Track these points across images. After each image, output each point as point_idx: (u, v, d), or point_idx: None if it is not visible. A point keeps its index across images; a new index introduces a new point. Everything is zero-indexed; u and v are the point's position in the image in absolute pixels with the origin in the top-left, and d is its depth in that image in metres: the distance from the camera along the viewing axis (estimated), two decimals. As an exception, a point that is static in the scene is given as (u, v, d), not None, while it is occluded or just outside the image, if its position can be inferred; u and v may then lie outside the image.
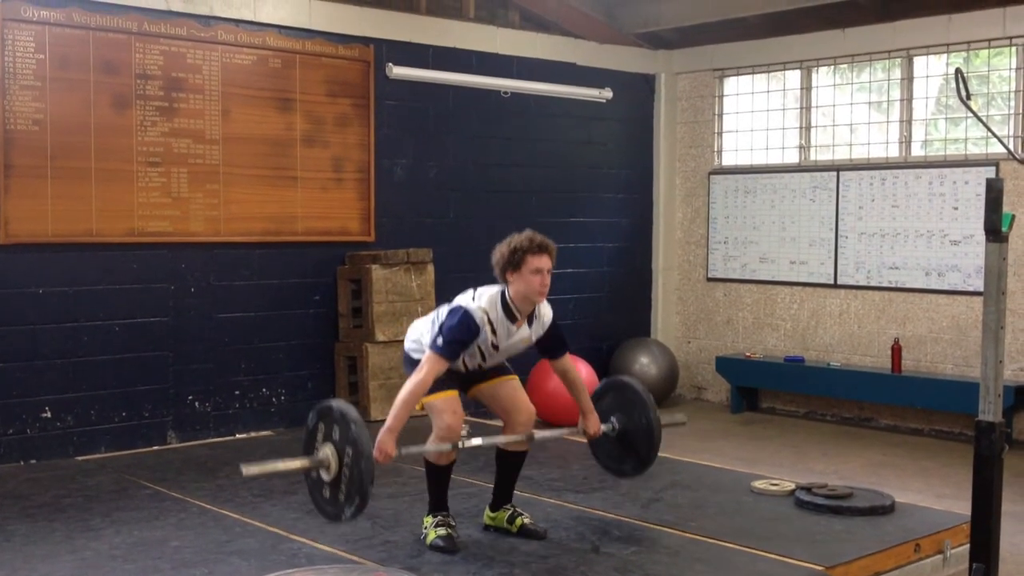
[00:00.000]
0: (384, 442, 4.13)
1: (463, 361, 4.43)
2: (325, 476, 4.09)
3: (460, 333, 4.25)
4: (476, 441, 4.46)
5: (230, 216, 7.09)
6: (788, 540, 4.57)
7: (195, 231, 6.95)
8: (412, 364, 4.42)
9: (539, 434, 4.66)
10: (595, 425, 4.74)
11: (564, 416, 8.09)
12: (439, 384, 4.33)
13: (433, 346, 4.25)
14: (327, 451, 4.06)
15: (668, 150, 9.71)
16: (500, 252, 4.36)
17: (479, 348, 4.38)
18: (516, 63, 8.61)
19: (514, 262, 4.29)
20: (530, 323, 4.45)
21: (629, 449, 4.88)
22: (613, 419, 4.86)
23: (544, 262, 4.31)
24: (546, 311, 4.52)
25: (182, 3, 6.84)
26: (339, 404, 4.11)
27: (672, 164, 9.75)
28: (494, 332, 4.35)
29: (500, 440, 4.60)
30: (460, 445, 4.39)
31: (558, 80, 8.82)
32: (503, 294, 4.37)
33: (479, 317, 4.29)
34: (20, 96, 6.24)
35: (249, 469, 4.04)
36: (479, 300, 4.35)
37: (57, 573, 4.23)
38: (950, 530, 4.74)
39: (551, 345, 4.57)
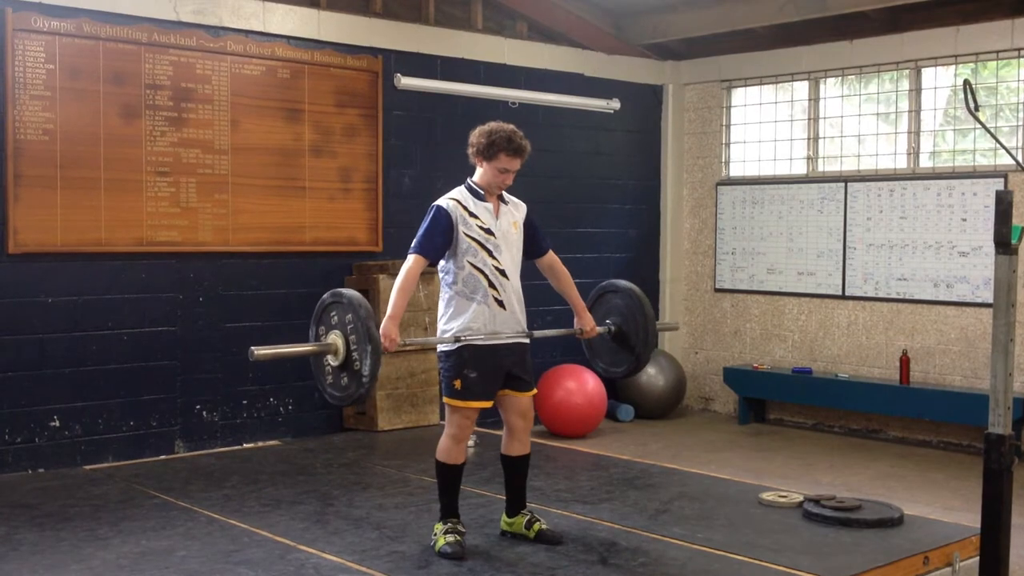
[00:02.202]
0: (389, 329, 4.28)
1: (483, 273, 4.45)
2: (333, 361, 4.27)
3: (431, 224, 4.45)
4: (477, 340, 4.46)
5: (238, 226, 7.11)
6: (796, 552, 4.55)
7: (203, 241, 6.97)
8: (442, 358, 4.53)
9: (538, 332, 4.72)
10: (590, 323, 4.85)
11: (570, 427, 8.12)
12: (475, 391, 4.42)
13: (411, 248, 4.45)
14: (333, 336, 4.26)
15: (676, 161, 9.71)
16: (478, 137, 4.52)
17: (474, 240, 4.45)
18: (524, 74, 8.63)
19: (488, 153, 4.48)
20: (503, 201, 4.59)
21: (625, 349, 4.95)
22: (609, 321, 4.94)
23: (515, 164, 4.51)
24: (515, 199, 4.69)
25: (192, 14, 6.87)
26: (356, 303, 4.23)
27: (680, 175, 9.75)
28: (472, 215, 4.48)
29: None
30: (463, 338, 4.42)
31: (566, 91, 8.83)
32: (466, 181, 4.58)
33: (446, 204, 4.49)
34: (30, 106, 6.27)
35: (261, 351, 4.17)
36: (445, 195, 4.57)
37: (64, 582, 4.24)
38: (959, 543, 4.71)
39: (534, 240, 4.70)
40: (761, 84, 9.23)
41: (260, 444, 7.17)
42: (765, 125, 9.24)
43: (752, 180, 9.28)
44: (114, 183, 6.58)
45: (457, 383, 4.44)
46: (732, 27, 8.77)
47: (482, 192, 4.54)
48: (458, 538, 4.49)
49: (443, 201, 4.52)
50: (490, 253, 4.47)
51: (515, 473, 4.71)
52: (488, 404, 4.51)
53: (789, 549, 4.61)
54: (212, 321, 7.05)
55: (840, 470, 7.29)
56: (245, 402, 7.19)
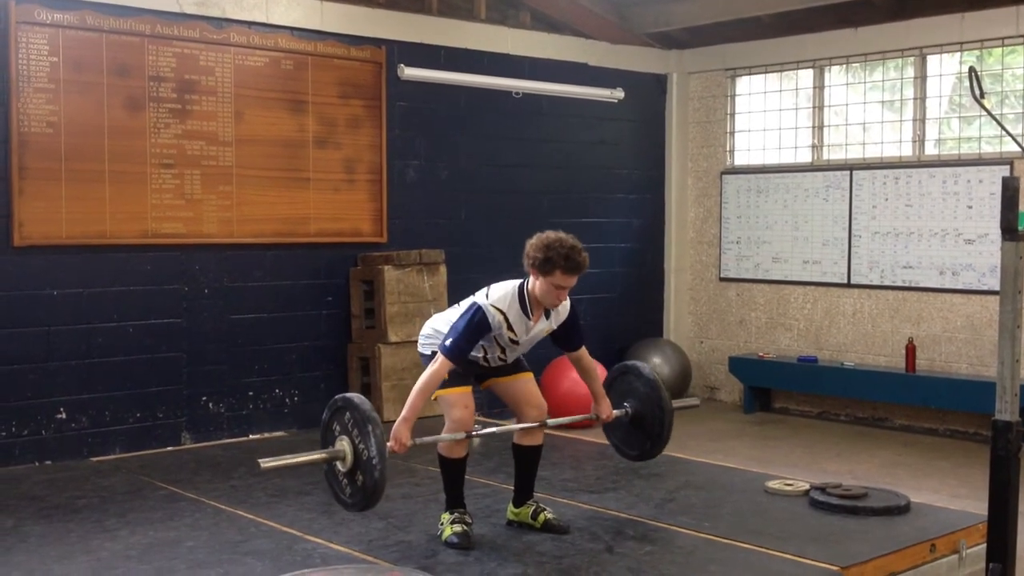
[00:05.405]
0: (399, 432, 4.18)
1: (485, 355, 4.45)
2: (343, 467, 4.16)
3: (468, 333, 4.27)
4: (490, 429, 4.56)
5: (243, 218, 7.11)
6: (803, 540, 4.55)
7: (208, 232, 6.97)
8: (427, 358, 4.48)
9: (552, 420, 4.73)
10: (607, 410, 4.81)
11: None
12: (454, 379, 4.39)
13: (442, 347, 4.29)
14: (340, 443, 4.14)
15: (680, 150, 9.69)
16: (536, 250, 4.27)
17: (497, 342, 4.41)
18: (528, 64, 8.61)
19: (544, 269, 4.26)
20: (547, 315, 4.46)
21: (642, 432, 4.95)
22: (626, 404, 4.93)
23: (570, 282, 4.29)
24: (564, 304, 4.51)
25: (195, 5, 6.86)
26: (351, 397, 4.16)
27: (684, 164, 9.73)
28: (511, 328, 4.37)
29: (514, 427, 4.64)
30: (474, 433, 4.44)
31: (570, 80, 8.81)
32: (521, 288, 4.37)
33: (492, 315, 4.31)
34: (34, 99, 6.26)
35: (266, 463, 4.11)
36: (493, 297, 4.35)
37: (72, 574, 4.24)
38: (966, 530, 4.71)
39: (568, 338, 4.60)
40: (766, 72, 9.21)
41: (266, 435, 7.18)
42: (770, 113, 9.21)
43: (757, 169, 9.26)
44: (118, 175, 6.58)
45: (445, 375, 4.40)
46: (736, 15, 8.76)
47: (531, 310, 4.37)
48: (465, 528, 4.50)
49: (489, 309, 4.30)
50: (504, 351, 4.46)
51: (525, 463, 4.71)
52: (469, 388, 4.50)
53: (795, 537, 4.61)
54: (217, 313, 7.05)
55: (846, 458, 7.29)
56: (251, 393, 7.20)
